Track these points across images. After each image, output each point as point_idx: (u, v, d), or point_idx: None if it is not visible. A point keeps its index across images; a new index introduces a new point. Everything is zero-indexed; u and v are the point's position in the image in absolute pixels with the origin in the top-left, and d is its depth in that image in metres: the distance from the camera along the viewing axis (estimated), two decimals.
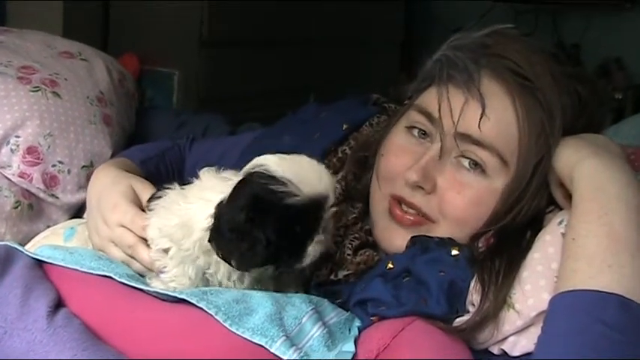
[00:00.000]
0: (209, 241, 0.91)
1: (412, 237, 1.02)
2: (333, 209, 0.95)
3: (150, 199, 1.05)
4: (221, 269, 0.96)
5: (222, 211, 0.91)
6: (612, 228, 0.85)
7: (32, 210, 1.37)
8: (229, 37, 2.71)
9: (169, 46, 2.65)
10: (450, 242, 1.00)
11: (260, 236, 0.88)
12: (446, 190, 1.02)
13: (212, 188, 0.96)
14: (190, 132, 1.69)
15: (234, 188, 0.91)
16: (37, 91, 1.46)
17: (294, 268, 0.95)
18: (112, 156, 1.49)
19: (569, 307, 0.84)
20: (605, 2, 3.07)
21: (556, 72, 1.00)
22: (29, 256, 0.99)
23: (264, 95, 2.82)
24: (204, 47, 2.66)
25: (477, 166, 1.00)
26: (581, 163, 0.91)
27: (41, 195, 1.39)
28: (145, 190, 1.09)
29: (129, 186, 1.09)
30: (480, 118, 0.98)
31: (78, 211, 1.42)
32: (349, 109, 1.27)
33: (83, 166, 1.46)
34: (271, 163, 0.91)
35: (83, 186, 1.44)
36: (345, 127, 1.21)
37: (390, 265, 1.00)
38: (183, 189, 1.01)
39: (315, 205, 0.91)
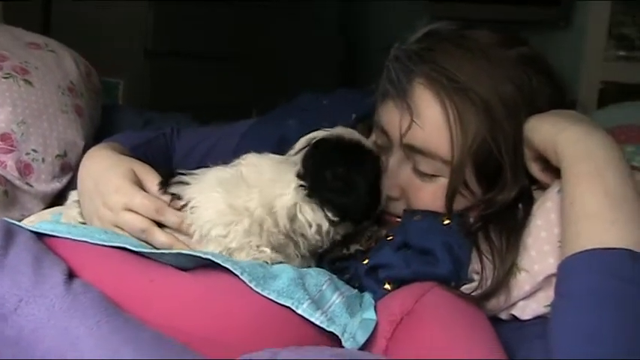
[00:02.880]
0: (312, 198, 0.97)
1: (404, 210, 1.08)
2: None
3: (163, 184, 1.02)
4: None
5: (315, 173, 0.97)
6: (608, 187, 0.85)
7: (7, 197, 1.32)
8: (174, 49, 2.69)
9: (114, 55, 2.59)
10: (439, 214, 1.04)
11: (360, 180, 0.98)
12: (409, 193, 1.08)
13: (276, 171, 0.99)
14: (160, 128, 1.66)
15: (311, 155, 0.99)
16: (8, 77, 1.41)
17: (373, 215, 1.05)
18: (85, 147, 1.44)
19: (579, 268, 0.83)
20: (540, 20, 3.04)
21: (495, 61, 1.02)
22: (30, 231, 0.93)
23: (207, 108, 2.77)
24: (149, 58, 2.63)
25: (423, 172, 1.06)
26: (562, 133, 0.92)
27: (16, 182, 1.34)
28: (147, 173, 1.04)
29: (130, 169, 1.04)
30: (407, 129, 1.03)
31: (54, 200, 1.37)
32: (356, 99, 1.29)
33: (57, 155, 1.41)
34: (323, 133, 1.02)
35: (57, 175, 1.41)
36: (354, 116, 1.25)
37: (390, 237, 1.04)
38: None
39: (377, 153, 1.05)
